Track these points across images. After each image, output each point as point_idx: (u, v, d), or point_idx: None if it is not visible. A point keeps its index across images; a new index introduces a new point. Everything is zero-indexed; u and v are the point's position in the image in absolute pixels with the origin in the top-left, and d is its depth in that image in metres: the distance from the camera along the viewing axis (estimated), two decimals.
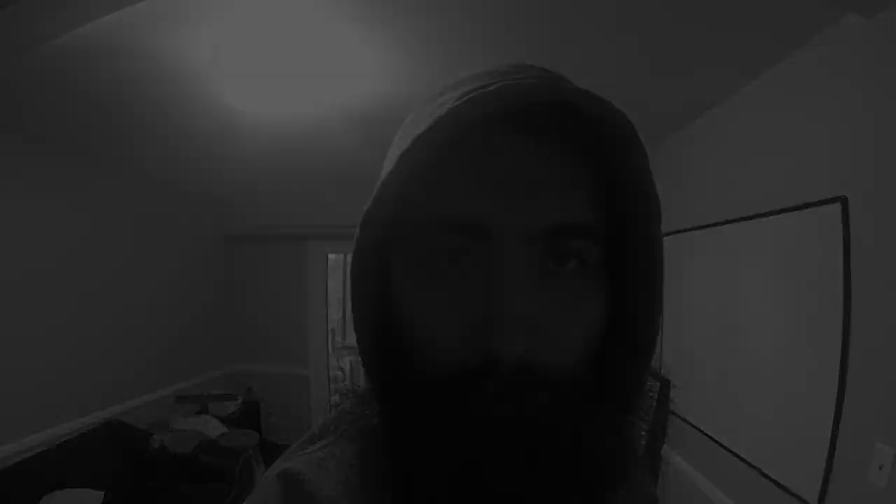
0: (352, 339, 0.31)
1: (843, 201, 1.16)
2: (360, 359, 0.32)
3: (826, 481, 1.18)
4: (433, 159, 0.27)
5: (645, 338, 0.31)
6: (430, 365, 0.28)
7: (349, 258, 0.32)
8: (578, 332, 0.28)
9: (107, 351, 2.53)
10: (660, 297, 0.31)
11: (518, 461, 0.25)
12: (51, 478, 1.93)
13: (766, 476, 1.41)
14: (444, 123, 0.25)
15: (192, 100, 1.70)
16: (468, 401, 0.26)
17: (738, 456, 1.57)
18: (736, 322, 1.63)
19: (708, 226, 1.80)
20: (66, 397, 2.27)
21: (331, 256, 3.82)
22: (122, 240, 2.68)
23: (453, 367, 0.27)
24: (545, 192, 0.27)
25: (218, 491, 2.26)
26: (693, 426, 1.86)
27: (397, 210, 0.29)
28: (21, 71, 1.39)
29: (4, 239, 2.00)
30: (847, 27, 1.16)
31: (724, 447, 1.65)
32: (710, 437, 1.74)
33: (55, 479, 1.93)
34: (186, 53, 1.38)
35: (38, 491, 1.85)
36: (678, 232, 2.00)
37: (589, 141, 0.28)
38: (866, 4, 1.06)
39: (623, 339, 0.31)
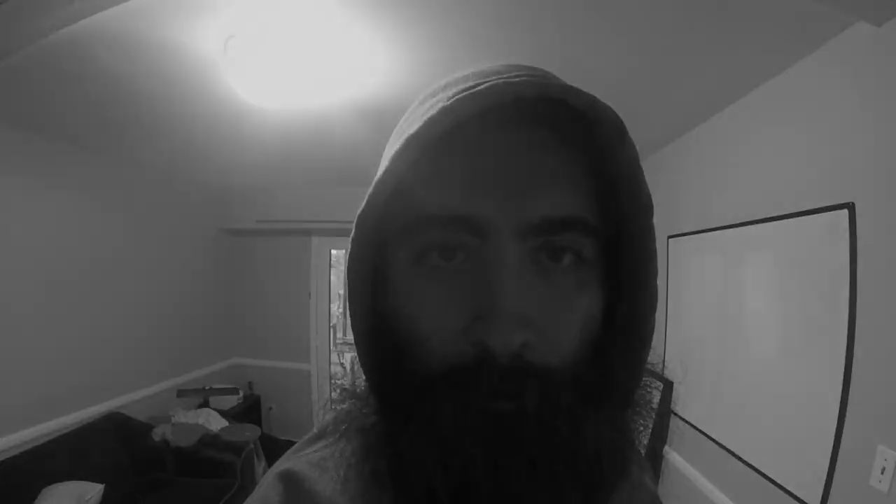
0: (352, 335, 0.31)
1: (851, 207, 1.16)
2: (357, 357, 0.32)
3: (828, 484, 1.18)
4: (426, 158, 0.27)
5: (641, 332, 0.31)
6: (426, 362, 0.28)
7: None
8: (574, 328, 0.28)
9: (108, 343, 2.54)
10: (654, 291, 0.31)
11: (514, 457, 0.25)
12: (52, 470, 1.94)
13: (767, 478, 1.41)
14: (436, 122, 0.25)
15: (199, 91, 1.70)
16: (464, 397, 0.26)
17: (739, 458, 1.56)
18: (741, 325, 1.63)
19: (715, 229, 1.79)
20: (67, 389, 2.27)
21: (333, 252, 3.82)
22: (126, 232, 2.68)
23: (449, 364, 0.27)
24: (538, 187, 0.28)
25: (219, 485, 2.28)
26: (695, 427, 1.85)
27: (392, 209, 0.29)
28: (22, 61, 1.37)
29: (5, 231, 2.01)
30: (857, 35, 1.16)
31: (726, 449, 1.64)
32: (712, 439, 1.74)
33: (56, 471, 1.94)
34: (194, 45, 1.37)
35: (38, 483, 1.87)
36: (684, 234, 1.99)
37: (579, 136, 0.28)
38: (876, 13, 1.06)
39: (620, 334, 0.31)
